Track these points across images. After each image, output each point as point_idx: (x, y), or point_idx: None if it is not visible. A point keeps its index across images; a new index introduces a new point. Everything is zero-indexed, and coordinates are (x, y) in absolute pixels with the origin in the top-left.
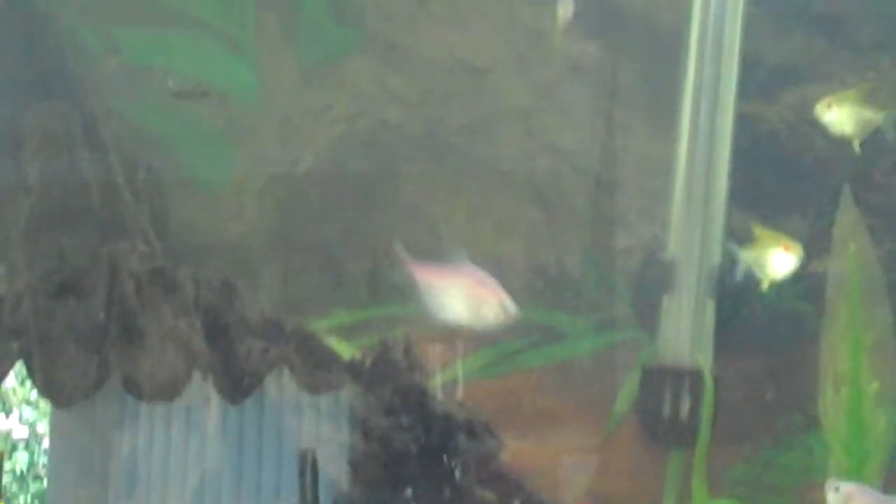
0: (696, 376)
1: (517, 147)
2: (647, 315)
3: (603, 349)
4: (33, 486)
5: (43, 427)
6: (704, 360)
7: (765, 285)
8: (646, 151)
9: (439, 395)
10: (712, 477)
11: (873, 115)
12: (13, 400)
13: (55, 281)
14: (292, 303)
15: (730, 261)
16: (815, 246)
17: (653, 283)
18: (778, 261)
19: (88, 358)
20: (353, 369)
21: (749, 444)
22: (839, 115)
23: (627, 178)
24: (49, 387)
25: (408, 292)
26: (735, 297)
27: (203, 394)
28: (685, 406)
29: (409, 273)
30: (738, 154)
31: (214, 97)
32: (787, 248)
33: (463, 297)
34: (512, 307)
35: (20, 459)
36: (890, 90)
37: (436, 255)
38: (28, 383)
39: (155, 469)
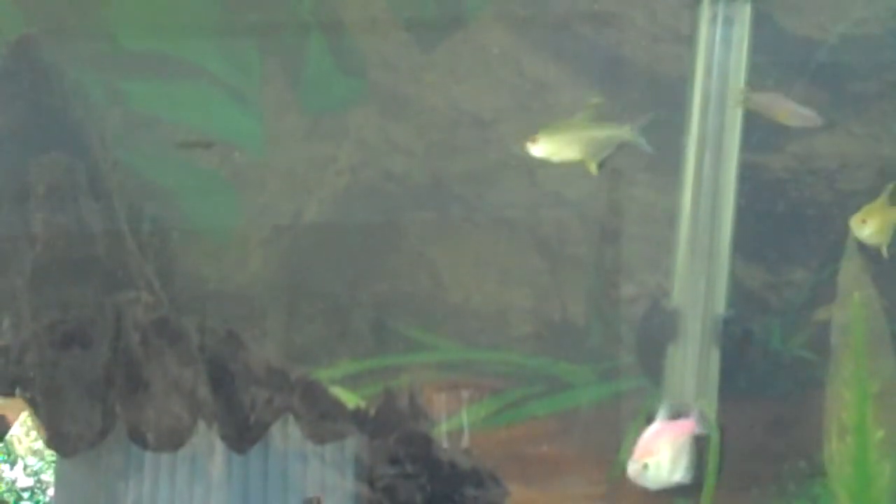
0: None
1: (522, 197)
2: (652, 363)
3: (608, 398)
4: None
5: (48, 476)
6: (710, 409)
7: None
8: (650, 201)
9: (444, 444)
10: None
11: None
12: (18, 449)
13: (60, 331)
14: (297, 352)
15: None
16: (819, 295)
17: (657, 331)
18: None
19: (93, 407)
20: (359, 418)
21: (754, 492)
22: (874, 228)
23: (632, 228)
24: (54, 436)
25: None
26: (740, 345)
27: (208, 443)
28: None
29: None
30: (743, 204)
31: (219, 147)
32: None
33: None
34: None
35: None
36: (891, 140)
37: None
38: (33, 433)
39: None
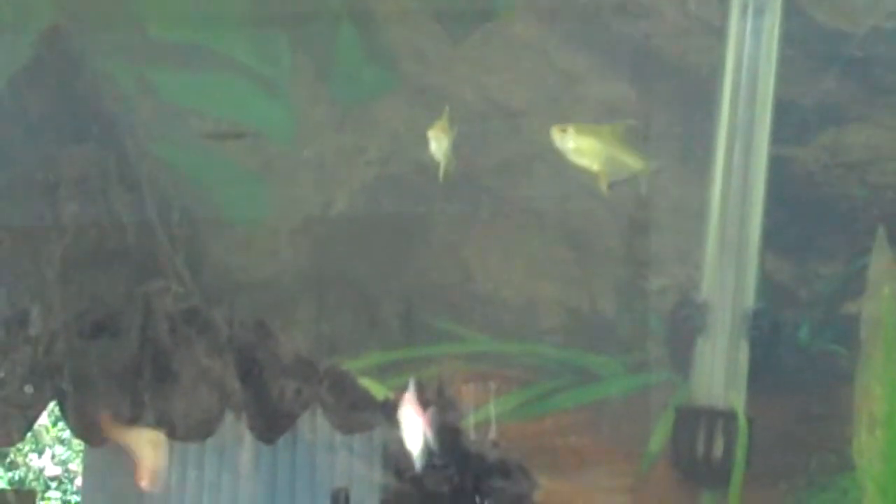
0: (729, 417)
1: (551, 188)
2: (681, 356)
3: (636, 390)
4: None
5: (76, 466)
6: (738, 401)
7: None
8: (680, 193)
9: (472, 436)
10: None
11: None
12: (47, 439)
13: (89, 321)
14: (326, 343)
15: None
16: (849, 288)
17: (686, 324)
18: None
19: (122, 397)
20: (387, 409)
21: (783, 485)
22: None
23: (661, 220)
24: (82, 426)
25: None
26: (769, 338)
27: (236, 433)
28: (718, 447)
29: None
30: (772, 196)
31: (249, 138)
32: None
33: None
34: None
35: (53, 498)
36: None
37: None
38: (61, 423)
39: None
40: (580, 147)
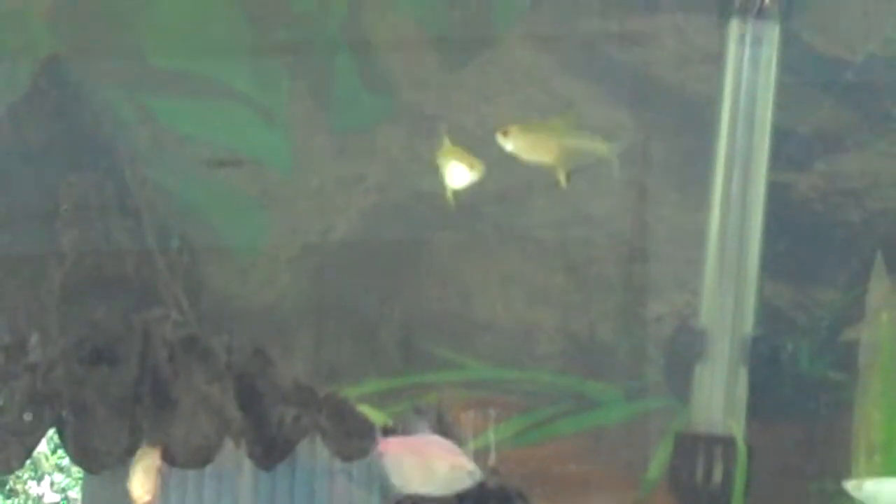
0: (728, 444)
1: (550, 216)
2: (680, 383)
3: (635, 417)
4: None
5: (75, 493)
6: (737, 428)
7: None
8: (678, 220)
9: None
10: None
11: None
12: (46, 466)
13: (88, 348)
14: (325, 370)
15: None
16: (848, 314)
17: (685, 350)
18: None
19: (121, 425)
20: (386, 436)
21: None
22: None
23: (660, 247)
24: (81, 453)
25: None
26: (768, 364)
27: (235, 460)
28: (718, 474)
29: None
30: (771, 223)
31: (247, 166)
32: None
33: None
34: (477, 472)
35: None
36: None
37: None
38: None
39: None
40: (529, 144)
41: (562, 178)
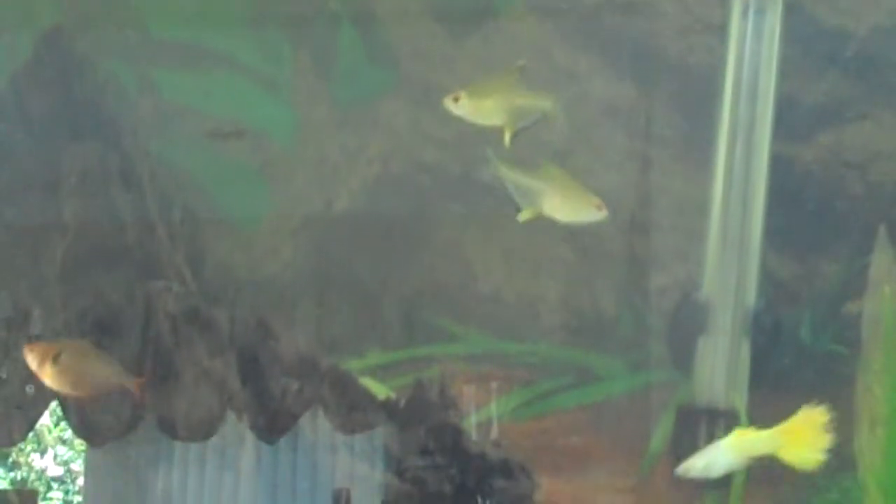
0: (731, 417)
1: None
2: (682, 355)
3: (638, 389)
4: None
5: (77, 466)
6: (739, 401)
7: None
8: (681, 192)
9: (474, 435)
10: None
11: None
12: (48, 439)
13: (90, 320)
14: (327, 342)
15: None
16: (850, 287)
17: (688, 323)
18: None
19: (123, 397)
20: (388, 409)
21: (784, 485)
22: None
23: (663, 219)
24: (84, 426)
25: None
26: (770, 337)
27: (237, 433)
28: None
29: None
30: (774, 195)
31: (250, 137)
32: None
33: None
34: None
35: (55, 498)
36: None
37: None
38: (63, 423)
39: None
40: (478, 108)
41: (507, 139)
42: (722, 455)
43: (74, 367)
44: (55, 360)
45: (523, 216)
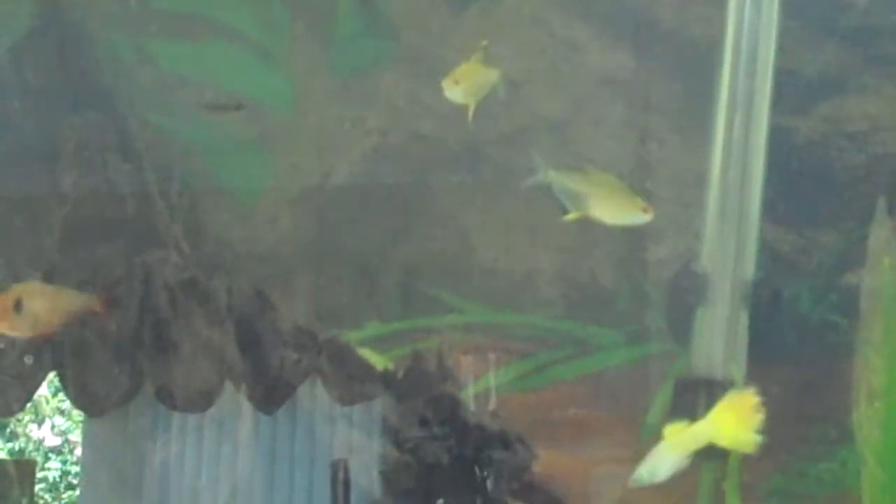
0: (729, 388)
1: (551, 158)
2: (681, 327)
3: (636, 361)
4: (66, 495)
5: (75, 436)
6: (738, 372)
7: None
8: (679, 163)
9: (472, 407)
10: (746, 489)
11: None
12: (46, 409)
13: (88, 291)
14: (325, 313)
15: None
16: (849, 258)
17: (686, 294)
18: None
19: (121, 368)
20: (386, 380)
21: (782, 455)
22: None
23: (661, 190)
24: (82, 396)
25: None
26: (769, 308)
27: (235, 404)
28: None
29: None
30: (772, 166)
31: (248, 108)
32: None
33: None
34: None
35: (53, 468)
36: None
37: None
38: (61, 393)
39: (187, 479)
40: (466, 88)
41: (471, 115)
42: (664, 458)
43: (37, 307)
44: (17, 307)
45: (570, 217)
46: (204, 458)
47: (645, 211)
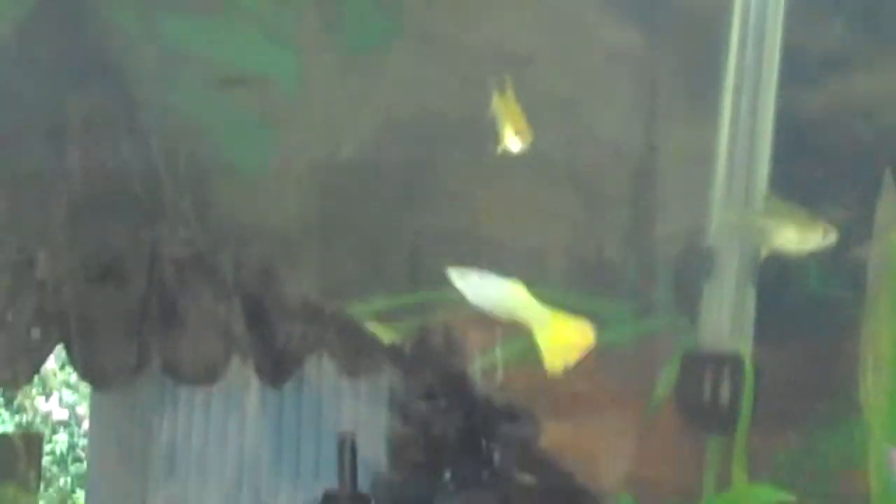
0: (736, 363)
1: (558, 134)
2: (688, 302)
3: (643, 336)
4: (73, 468)
5: (83, 409)
6: (745, 347)
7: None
8: (687, 138)
9: (479, 380)
10: (753, 462)
11: None
12: (53, 382)
13: (96, 265)
14: (332, 287)
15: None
16: (856, 233)
17: (693, 269)
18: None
19: (128, 342)
20: (393, 353)
21: (790, 430)
22: None
23: (668, 165)
24: (89, 370)
25: None
26: (776, 283)
27: (242, 378)
28: (725, 393)
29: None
30: (780, 141)
31: (255, 84)
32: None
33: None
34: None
35: (60, 441)
36: None
37: None
38: (68, 366)
39: (194, 452)
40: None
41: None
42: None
43: None
44: None
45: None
46: (211, 431)
47: (827, 232)
